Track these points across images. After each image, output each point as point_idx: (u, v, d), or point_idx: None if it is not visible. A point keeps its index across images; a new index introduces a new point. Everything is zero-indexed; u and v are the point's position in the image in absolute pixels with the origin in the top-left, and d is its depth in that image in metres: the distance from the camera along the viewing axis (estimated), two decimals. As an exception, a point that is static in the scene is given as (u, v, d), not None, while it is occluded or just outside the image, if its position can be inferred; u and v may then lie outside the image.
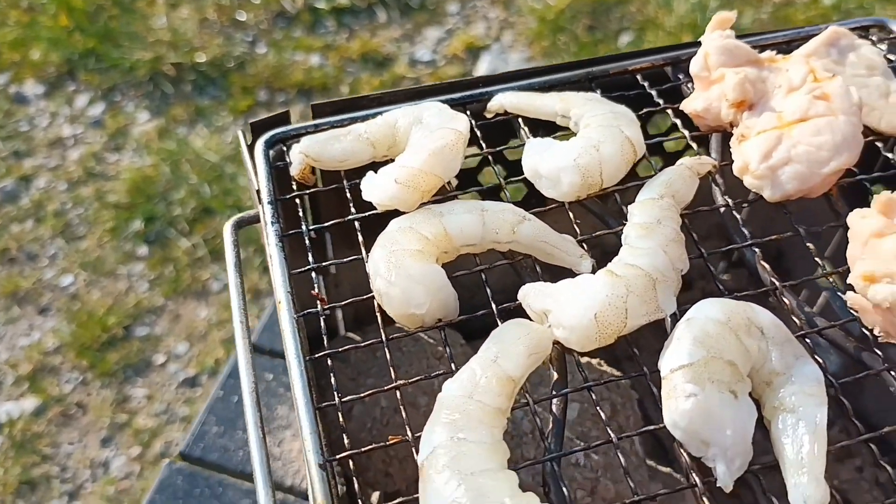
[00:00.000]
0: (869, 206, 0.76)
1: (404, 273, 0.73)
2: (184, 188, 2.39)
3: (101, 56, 2.72)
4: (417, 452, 0.65)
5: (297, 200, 0.86)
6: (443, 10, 2.87)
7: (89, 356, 2.07)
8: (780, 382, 0.68)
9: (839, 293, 0.76)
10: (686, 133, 0.90)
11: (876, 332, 0.73)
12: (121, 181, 2.42)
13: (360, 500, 0.66)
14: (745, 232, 0.80)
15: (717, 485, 0.64)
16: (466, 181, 1.06)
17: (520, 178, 0.86)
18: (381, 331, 0.74)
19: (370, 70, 2.68)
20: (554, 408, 0.70)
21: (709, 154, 0.90)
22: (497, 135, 0.93)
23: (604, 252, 0.79)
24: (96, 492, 1.87)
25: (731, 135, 0.85)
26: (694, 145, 0.90)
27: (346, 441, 0.69)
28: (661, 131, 1.06)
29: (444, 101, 0.89)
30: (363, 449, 0.69)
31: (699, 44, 0.92)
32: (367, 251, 0.77)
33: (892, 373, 0.71)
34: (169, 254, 2.26)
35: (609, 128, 0.82)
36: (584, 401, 0.97)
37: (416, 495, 0.63)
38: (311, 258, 0.80)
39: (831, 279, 0.79)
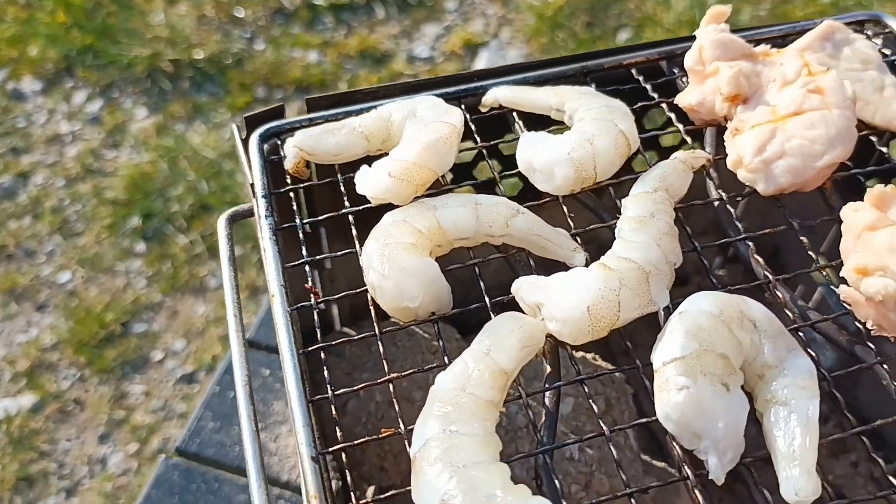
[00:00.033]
0: (863, 201, 0.76)
1: (397, 266, 0.73)
2: (182, 185, 2.39)
3: (99, 52, 2.72)
4: (410, 445, 0.65)
5: (291, 194, 0.86)
6: (441, 7, 2.87)
7: (87, 353, 2.07)
8: (773, 375, 0.68)
9: (832, 287, 0.76)
10: (680, 127, 0.90)
11: (869, 326, 0.73)
12: (119, 178, 2.42)
13: (353, 494, 0.66)
14: (739, 226, 0.80)
15: (709, 477, 0.64)
16: (461, 175, 1.06)
17: (514, 171, 0.86)
18: (375, 324, 0.74)
19: (368, 67, 2.68)
20: (547, 401, 0.70)
21: (703, 148, 0.90)
22: (492, 129, 0.93)
23: (599, 246, 0.79)
24: (94, 488, 1.87)
25: (726, 129, 0.85)
26: (688, 139, 0.90)
27: (339, 434, 0.69)
28: (657, 126, 1.06)
29: (438, 96, 0.89)
30: (356, 442, 0.69)
31: (694, 38, 0.92)
32: (362, 245, 0.77)
33: (885, 366, 0.71)
34: (167, 250, 2.26)
35: (603, 121, 0.82)
36: (578, 395, 0.97)
37: (409, 488, 0.63)
38: (304, 252, 0.80)
39: (825, 272, 0.79)
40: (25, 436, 1.94)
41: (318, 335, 0.74)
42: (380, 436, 0.69)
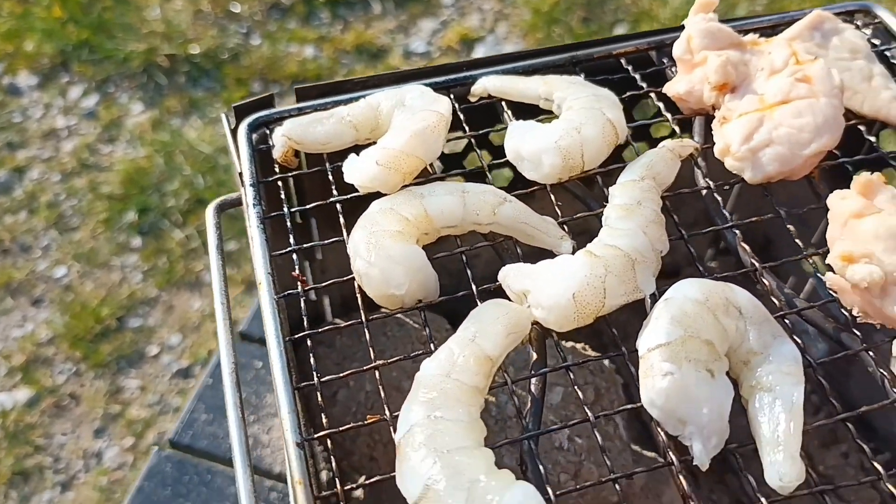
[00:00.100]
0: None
1: (384, 254, 0.73)
2: (177, 179, 2.39)
3: (95, 47, 2.72)
4: (395, 431, 0.65)
5: (280, 183, 0.86)
6: (437, 2, 2.87)
7: (82, 347, 2.07)
8: (758, 362, 0.68)
9: (819, 275, 0.76)
10: (669, 116, 0.90)
11: (855, 313, 0.73)
12: (114, 172, 2.42)
13: (337, 480, 0.66)
14: (726, 214, 0.80)
15: (694, 463, 0.64)
16: (452, 166, 1.06)
17: (503, 161, 0.86)
18: (362, 312, 0.75)
19: (364, 61, 2.68)
20: (532, 388, 0.70)
21: (692, 137, 0.90)
22: (481, 118, 0.93)
23: (590, 236, 0.79)
24: (89, 482, 1.88)
25: (714, 118, 0.85)
26: (677, 128, 0.90)
27: (324, 421, 0.69)
28: (647, 117, 1.06)
29: (428, 85, 0.89)
30: (341, 428, 0.69)
31: (683, 28, 0.92)
32: (350, 233, 0.77)
33: (871, 353, 0.71)
34: (162, 245, 2.26)
35: (591, 110, 0.82)
36: (567, 385, 0.97)
37: (394, 474, 0.63)
38: (292, 240, 0.80)
39: (811, 260, 0.79)
40: (21, 430, 1.94)
41: (305, 323, 0.74)
42: (365, 422, 0.69)
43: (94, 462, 1.91)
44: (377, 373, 0.71)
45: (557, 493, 0.63)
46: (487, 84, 0.92)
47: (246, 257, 2.20)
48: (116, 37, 2.74)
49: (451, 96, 0.91)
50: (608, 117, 0.82)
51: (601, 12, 2.79)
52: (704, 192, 0.83)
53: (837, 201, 0.75)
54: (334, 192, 0.84)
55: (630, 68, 0.95)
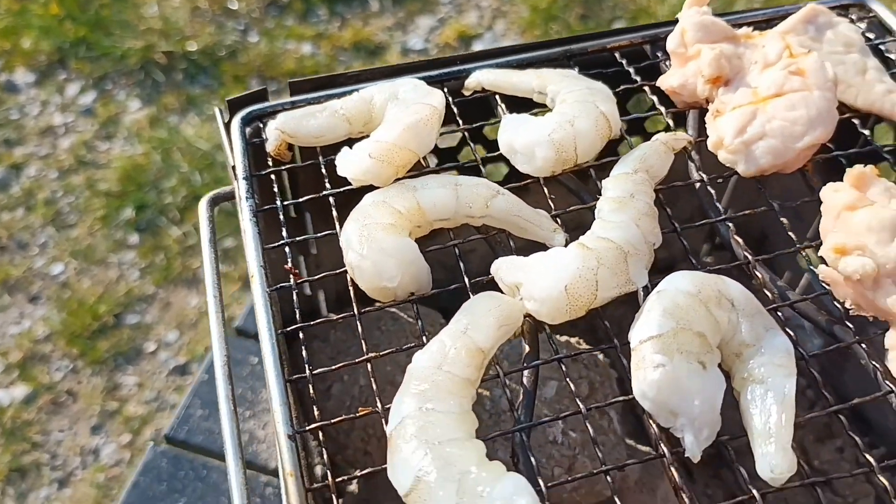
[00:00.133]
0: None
1: (376, 246, 0.73)
2: (175, 176, 2.39)
3: (93, 44, 2.72)
4: (387, 423, 0.65)
5: (273, 176, 0.86)
6: (435, -1, 2.87)
7: (80, 344, 2.07)
8: (750, 354, 0.68)
9: (812, 267, 0.76)
10: (663, 110, 0.90)
11: (847, 305, 0.73)
12: (112, 169, 2.42)
13: (328, 472, 0.66)
14: (720, 207, 0.80)
15: (686, 455, 0.64)
16: (446, 160, 1.06)
17: (497, 154, 0.86)
18: (354, 305, 0.75)
19: (362, 59, 2.68)
20: (525, 380, 0.70)
21: (686, 131, 0.90)
22: (475, 112, 0.93)
23: (585, 230, 0.79)
24: (86, 479, 1.87)
25: (708, 111, 0.85)
26: (671, 122, 0.89)
27: (316, 413, 0.69)
28: (643, 112, 1.06)
29: (422, 79, 0.89)
30: (332, 420, 0.69)
31: (677, 21, 0.91)
32: (343, 227, 0.77)
33: (863, 345, 0.71)
34: (160, 242, 2.26)
35: (584, 103, 0.82)
36: (561, 378, 0.97)
37: (385, 466, 0.63)
38: (285, 233, 0.80)
39: (804, 253, 0.79)
40: (18, 427, 1.94)
41: (298, 316, 0.74)
42: (357, 414, 0.69)
43: (92, 459, 1.91)
44: (369, 365, 0.71)
45: (549, 484, 0.63)
46: (481, 78, 0.92)
47: (243, 254, 2.17)
48: (114, 34, 2.74)
49: (445, 90, 0.91)
50: (601, 110, 0.82)
51: (599, 9, 2.79)
52: (698, 185, 0.83)
53: (830, 194, 0.74)
54: (327, 186, 0.83)
55: (624, 62, 0.95)
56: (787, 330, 0.70)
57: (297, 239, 0.80)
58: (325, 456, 0.67)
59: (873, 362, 0.70)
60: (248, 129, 0.89)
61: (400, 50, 2.71)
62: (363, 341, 0.72)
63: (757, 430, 0.64)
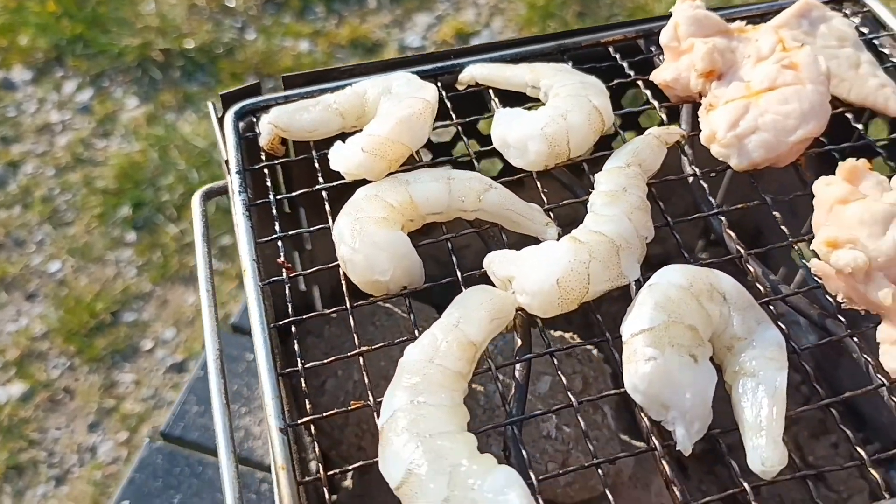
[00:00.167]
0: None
1: (368, 240, 0.73)
2: (172, 174, 2.38)
3: (90, 42, 2.71)
4: (379, 417, 0.65)
5: (266, 171, 0.86)
6: (433, -3, 2.86)
7: (77, 342, 2.07)
8: (742, 347, 0.68)
9: (804, 261, 0.76)
10: (656, 104, 0.90)
11: (839, 299, 0.73)
12: (109, 167, 2.42)
13: (320, 466, 0.66)
14: (712, 200, 0.80)
15: (677, 448, 0.64)
16: (440, 155, 1.06)
17: (490, 148, 0.86)
18: (346, 298, 0.74)
19: (359, 56, 2.68)
20: (517, 374, 0.70)
21: (679, 125, 0.89)
22: (469, 107, 0.93)
23: (578, 224, 0.79)
24: (83, 476, 1.87)
25: (701, 105, 0.85)
26: (664, 116, 0.89)
27: (308, 407, 0.69)
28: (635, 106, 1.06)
29: (415, 73, 0.89)
30: (325, 414, 0.69)
31: (671, 16, 0.91)
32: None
33: (855, 339, 0.71)
34: (157, 240, 2.26)
35: (577, 97, 0.82)
36: (555, 373, 0.97)
37: (377, 459, 0.63)
38: (277, 227, 0.80)
39: (796, 247, 0.79)
40: (15, 424, 1.94)
41: (290, 309, 0.74)
42: (349, 408, 0.69)
43: (89, 456, 1.91)
44: (361, 359, 0.71)
45: (540, 478, 0.63)
46: (475, 72, 0.92)
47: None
48: (111, 31, 2.74)
49: (439, 84, 0.91)
50: (594, 104, 0.82)
51: (596, 7, 2.78)
52: (691, 179, 0.83)
53: (823, 187, 0.74)
54: (320, 180, 0.83)
55: (618, 56, 0.95)
56: (780, 324, 0.70)
57: (290, 233, 0.80)
58: (316, 450, 0.67)
59: (865, 356, 0.70)
60: (241, 124, 0.89)
61: (397, 47, 2.70)
62: (355, 335, 0.72)
63: (748, 423, 0.64)
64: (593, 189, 0.79)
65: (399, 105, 0.82)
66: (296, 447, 0.68)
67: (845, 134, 0.88)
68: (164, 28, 2.74)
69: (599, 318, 0.73)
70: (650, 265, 0.74)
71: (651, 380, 0.63)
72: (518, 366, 0.70)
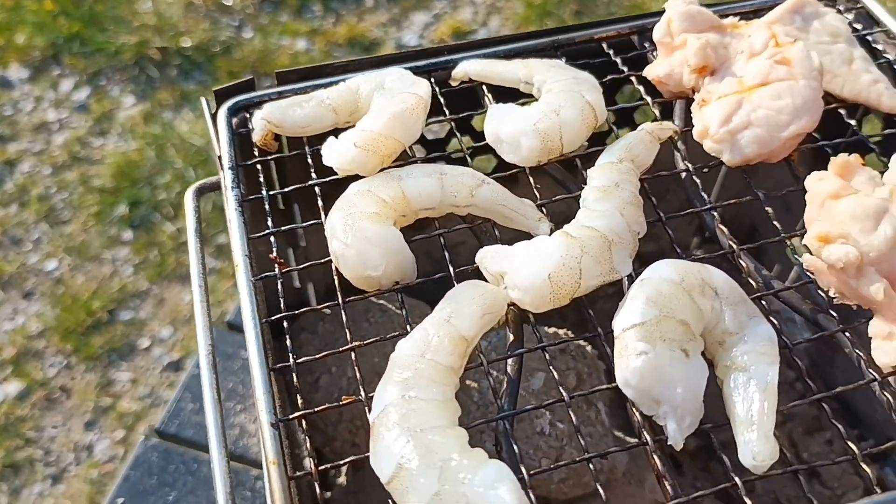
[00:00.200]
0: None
1: (361, 235, 0.73)
2: (169, 172, 2.38)
3: (87, 40, 2.71)
4: (370, 411, 0.65)
5: (259, 166, 0.85)
6: (430, -5, 2.86)
7: (74, 340, 2.06)
8: (733, 342, 0.68)
9: (797, 257, 0.76)
10: (650, 100, 0.90)
11: (831, 294, 0.72)
12: (106, 165, 2.41)
13: (311, 461, 0.66)
14: (705, 196, 0.80)
15: (668, 443, 0.64)
16: (434, 151, 1.06)
17: (483, 144, 0.86)
18: (338, 294, 0.74)
19: (356, 55, 2.68)
20: (508, 369, 0.70)
21: (672, 121, 0.89)
22: (462, 103, 0.92)
23: (571, 220, 0.79)
24: (80, 475, 1.87)
25: (694, 101, 0.85)
26: (657, 112, 0.89)
27: (300, 402, 0.69)
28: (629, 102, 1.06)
29: (408, 69, 0.89)
30: (316, 409, 0.68)
31: (664, 11, 0.91)
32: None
33: (847, 334, 0.71)
34: (154, 238, 2.26)
35: (570, 93, 0.82)
36: (548, 370, 0.97)
37: (368, 454, 0.63)
38: (270, 223, 0.80)
39: (790, 243, 0.79)
40: (11, 423, 1.94)
41: (282, 304, 0.74)
42: (341, 403, 0.69)
43: (85, 455, 1.91)
44: (353, 354, 0.71)
45: (531, 472, 0.63)
46: (468, 68, 0.92)
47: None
48: (108, 29, 2.74)
49: (432, 80, 0.90)
50: (587, 100, 0.82)
51: (594, 5, 2.78)
52: (683, 174, 0.83)
53: (815, 182, 0.74)
54: (313, 176, 0.83)
55: (611, 52, 0.95)
56: (774, 321, 0.70)
57: (283, 228, 0.80)
58: (307, 445, 0.67)
59: (857, 351, 0.70)
60: (234, 120, 0.89)
61: (394, 46, 2.70)
62: (347, 331, 0.72)
63: (739, 417, 0.64)
64: (584, 182, 0.79)
65: (392, 100, 0.82)
66: (288, 443, 0.68)
67: (838, 130, 0.88)
68: (161, 26, 2.74)
69: (592, 313, 0.73)
70: (644, 261, 0.74)
71: (642, 374, 0.63)
72: (510, 361, 0.70)
